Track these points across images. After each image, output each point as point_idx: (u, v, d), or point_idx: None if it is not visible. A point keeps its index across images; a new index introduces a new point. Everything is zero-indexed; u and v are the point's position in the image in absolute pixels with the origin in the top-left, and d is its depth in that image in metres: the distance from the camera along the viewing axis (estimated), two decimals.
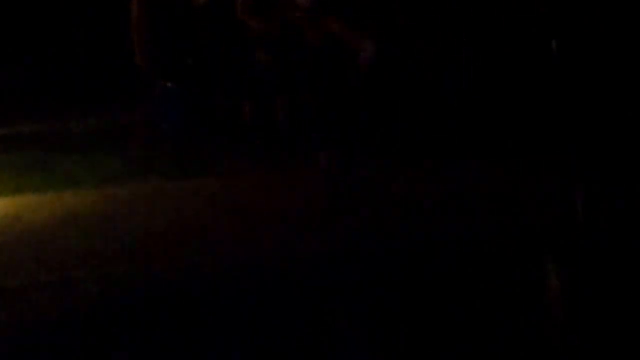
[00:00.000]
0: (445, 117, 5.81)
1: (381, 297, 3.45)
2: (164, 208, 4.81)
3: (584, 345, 2.93)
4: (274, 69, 6.12)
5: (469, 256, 3.79)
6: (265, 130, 6.12)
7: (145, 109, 6.62)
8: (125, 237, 4.28)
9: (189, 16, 6.36)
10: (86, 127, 7.15)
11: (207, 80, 6.44)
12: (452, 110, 5.85)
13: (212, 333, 3.17)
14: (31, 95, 8.26)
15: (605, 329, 3.02)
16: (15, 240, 4.37)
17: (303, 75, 6.08)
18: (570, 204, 4.23)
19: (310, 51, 6.02)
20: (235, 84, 6.38)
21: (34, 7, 8.92)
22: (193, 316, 3.34)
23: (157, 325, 3.29)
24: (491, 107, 5.90)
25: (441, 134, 5.67)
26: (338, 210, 4.54)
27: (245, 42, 6.19)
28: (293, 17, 6.05)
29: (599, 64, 5.57)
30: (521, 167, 5.02)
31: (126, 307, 3.52)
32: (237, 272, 3.84)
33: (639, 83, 5.42)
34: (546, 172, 4.83)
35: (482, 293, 3.39)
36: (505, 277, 3.57)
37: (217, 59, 6.43)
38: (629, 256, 3.63)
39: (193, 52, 6.38)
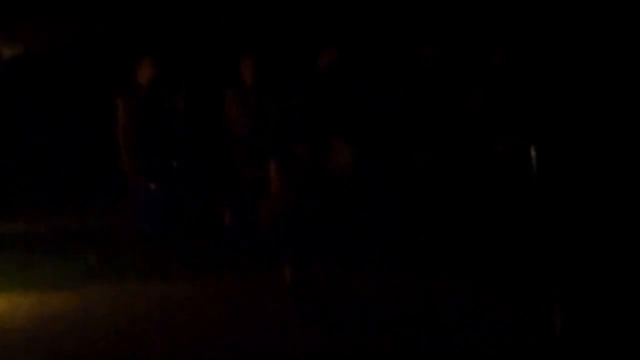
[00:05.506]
0: (419, 227, 5.95)
1: None
2: (142, 310, 4.98)
3: None
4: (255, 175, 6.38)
5: None
6: (244, 236, 6.32)
7: (128, 210, 6.84)
8: (103, 340, 4.42)
9: (173, 120, 6.67)
10: (68, 227, 7.33)
11: (190, 184, 6.69)
12: (427, 220, 6.01)
13: None
14: (13, 194, 8.45)
15: None
16: None
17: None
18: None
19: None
20: (217, 189, 6.66)
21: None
22: None
23: None
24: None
25: (413, 245, 5.79)
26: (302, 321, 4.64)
27: (228, 147, 6.49)
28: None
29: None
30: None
31: None
32: None
33: None
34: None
35: None
36: None
37: (200, 163, 6.73)
38: None
39: (177, 155, 6.67)
